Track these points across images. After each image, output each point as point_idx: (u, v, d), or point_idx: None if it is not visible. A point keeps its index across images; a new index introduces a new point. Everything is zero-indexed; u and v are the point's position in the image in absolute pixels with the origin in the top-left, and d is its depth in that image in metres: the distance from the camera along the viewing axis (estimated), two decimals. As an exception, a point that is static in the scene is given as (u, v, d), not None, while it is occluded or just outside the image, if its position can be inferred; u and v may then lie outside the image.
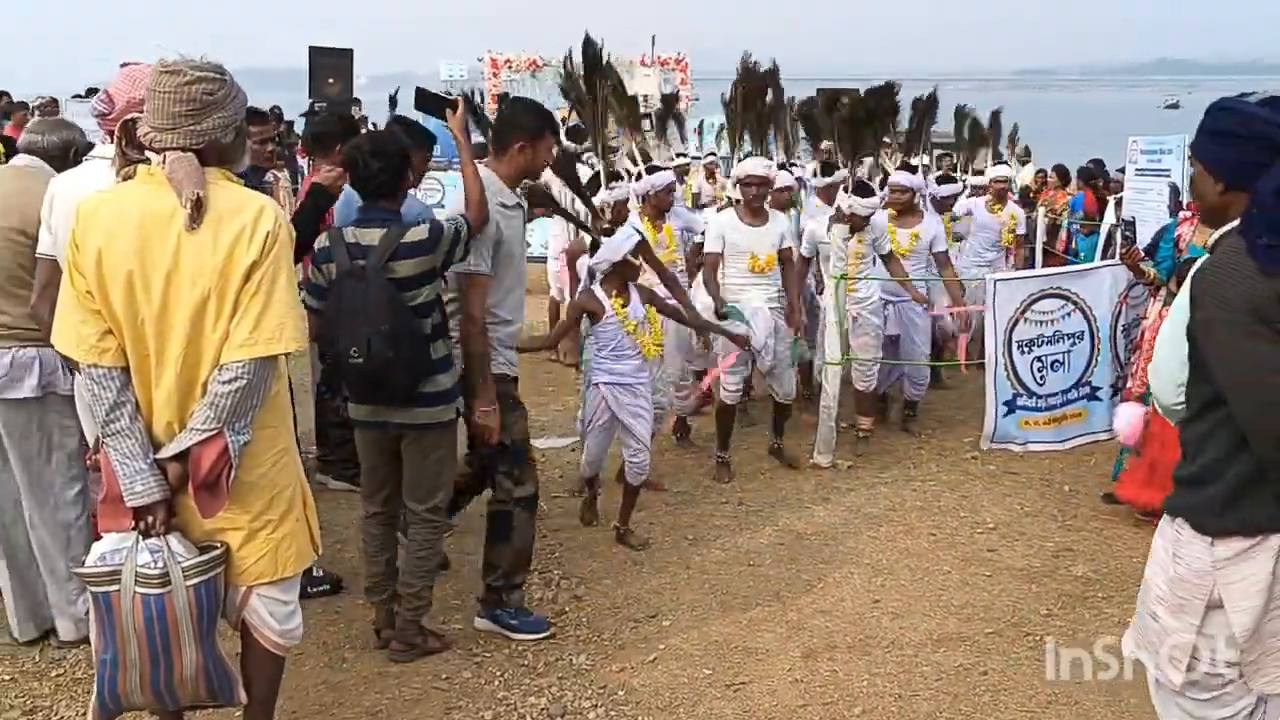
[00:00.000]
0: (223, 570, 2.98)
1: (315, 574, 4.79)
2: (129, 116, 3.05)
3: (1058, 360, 7.09)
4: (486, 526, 4.58)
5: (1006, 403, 7.04)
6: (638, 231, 5.56)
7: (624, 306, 5.36)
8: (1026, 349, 7.01)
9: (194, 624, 2.91)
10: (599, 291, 5.39)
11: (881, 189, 7.66)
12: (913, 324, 7.67)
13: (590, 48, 6.25)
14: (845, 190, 7.18)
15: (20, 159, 4.25)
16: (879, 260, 7.27)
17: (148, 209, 2.82)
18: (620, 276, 5.40)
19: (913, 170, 8.49)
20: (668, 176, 7.31)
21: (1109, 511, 6.04)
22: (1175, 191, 8.28)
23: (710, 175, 13.41)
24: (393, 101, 16.97)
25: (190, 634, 2.91)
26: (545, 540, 5.60)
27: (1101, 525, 5.87)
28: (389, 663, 4.24)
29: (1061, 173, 15.16)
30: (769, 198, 6.94)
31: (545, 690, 4.07)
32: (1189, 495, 2.57)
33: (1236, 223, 2.46)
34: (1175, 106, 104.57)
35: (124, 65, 3.63)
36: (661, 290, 5.92)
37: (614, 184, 7.00)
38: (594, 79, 6.54)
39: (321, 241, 4.02)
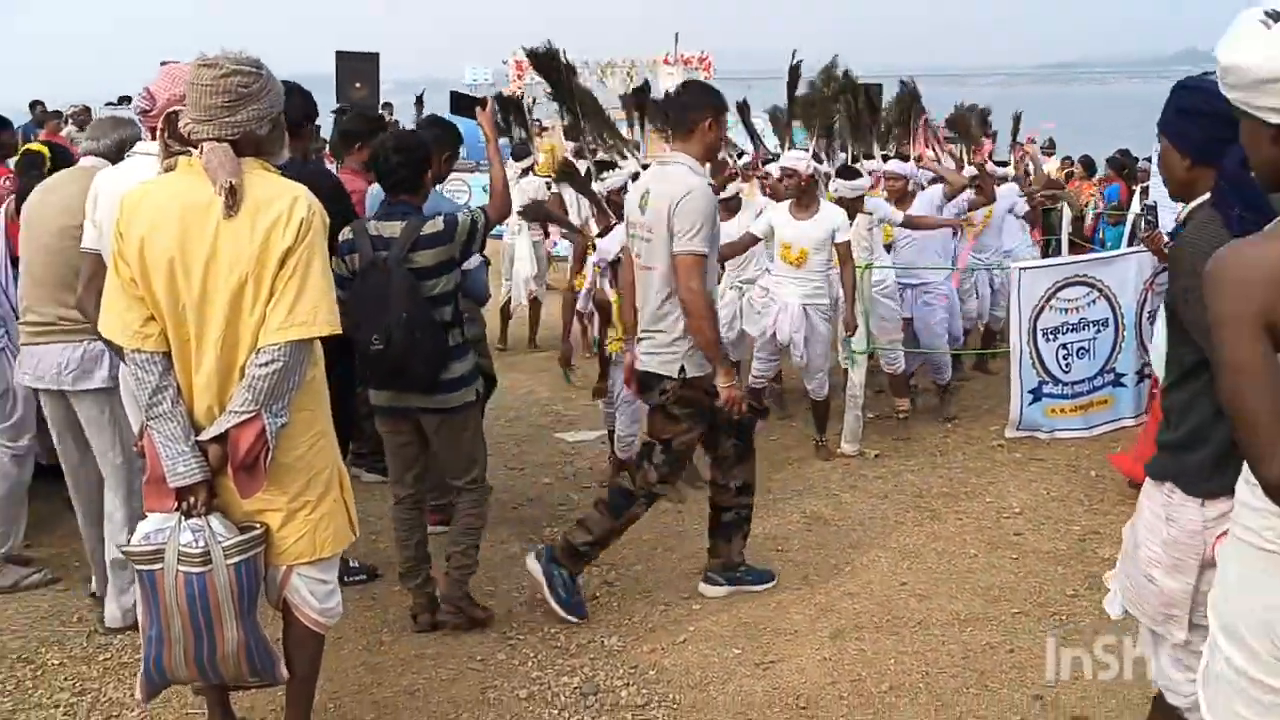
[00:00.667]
0: (262, 550, 3.07)
1: (351, 564, 4.90)
2: (173, 109, 3.15)
3: (1083, 348, 7.10)
4: (608, 495, 4.72)
5: (1032, 391, 7.06)
6: None
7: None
8: (1052, 337, 7.03)
9: (235, 602, 3.00)
10: (606, 287, 5.68)
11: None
12: (927, 308, 7.71)
13: (539, 56, 6.23)
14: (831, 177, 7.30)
15: (86, 160, 4.41)
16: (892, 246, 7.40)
17: (187, 199, 2.92)
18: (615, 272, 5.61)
19: (905, 159, 8.52)
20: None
21: (1135, 495, 6.03)
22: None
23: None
24: (419, 102, 17.05)
25: (232, 611, 3.00)
26: (576, 529, 5.69)
27: (1129, 510, 5.78)
28: (426, 645, 4.33)
29: (1086, 164, 15.12)
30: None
31: (578, 670, 4.15)
32: (1177, 460, 2.67)
33: (1207, 196, 2.55)
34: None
35: (164, 64, 3.74)
36: None
37: (605, 174, 7.09)
38: (558, 78, 6.54)
39: (345, 234, 4.16)
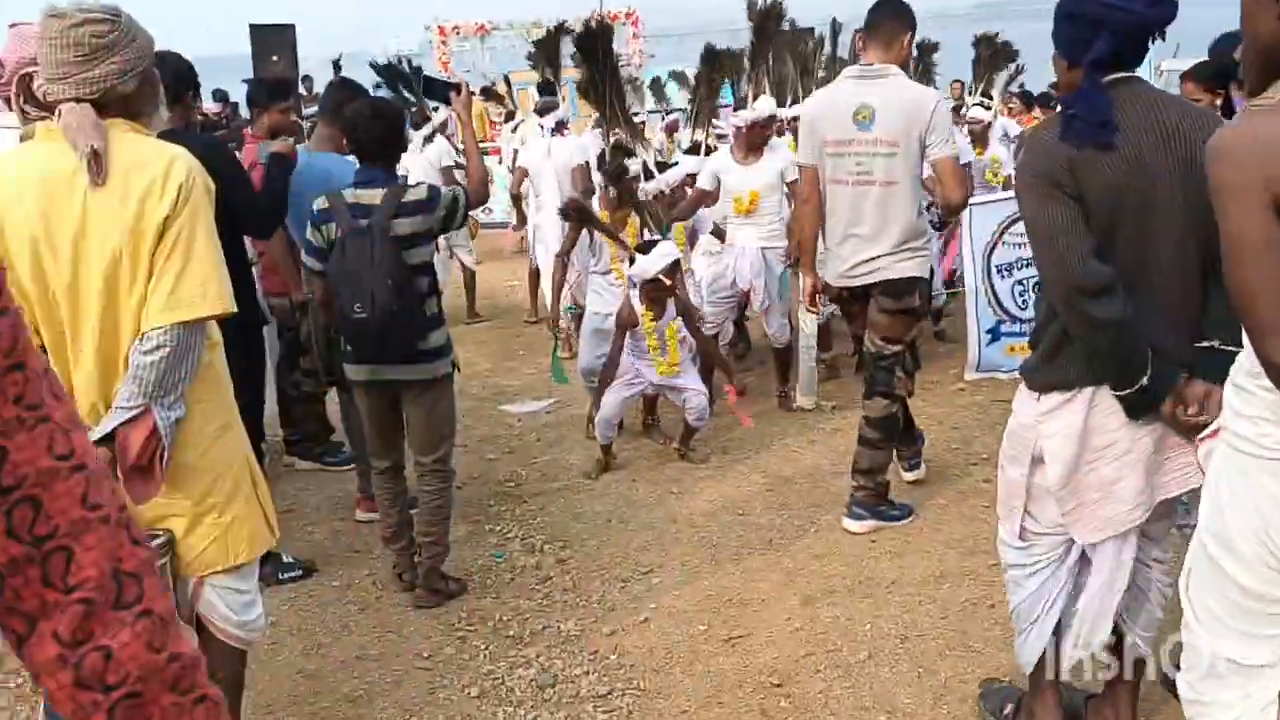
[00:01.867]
0: (169, 560, 2.74)
1: (286, 560, 4.62)
2: (25, 71, 2.77)
3: (1039, 282, 6.86)
4: (873, 430, 4.78)
5: (990, 330, 6.81)
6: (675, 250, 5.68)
7: (653, 319, 5.55)
8: (1006, 273, 6.78)
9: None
10: (635, 302, 5.57)
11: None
12: None
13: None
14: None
15: None
16: None
17: (49, 169, 2.56)
18: (652, 291, 5.49)
19: None
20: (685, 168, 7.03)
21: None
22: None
23: (671, 133, 13.01)
24: (336, 66, 16.45)
25: (138, 631, 2.67)
26: (525, 505, 5.38)
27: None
28: (368, 645, 4.02)
29: (1024, 97, 14.93)
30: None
31: (533, 661, 3.84)
32: (1029, 357, 2.90)
33: None
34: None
35: (13, 25, 3.35)
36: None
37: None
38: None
39: (320, 203, 4.10)
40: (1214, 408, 2.43)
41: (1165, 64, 14.37)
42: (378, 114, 4.16)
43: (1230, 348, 2.39)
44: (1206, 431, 2.33)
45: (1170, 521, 2.99)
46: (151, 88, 2.78)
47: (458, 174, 10.21)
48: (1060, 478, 2.75)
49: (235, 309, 2.71)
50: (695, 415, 5.69)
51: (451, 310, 9.80)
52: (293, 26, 16.54)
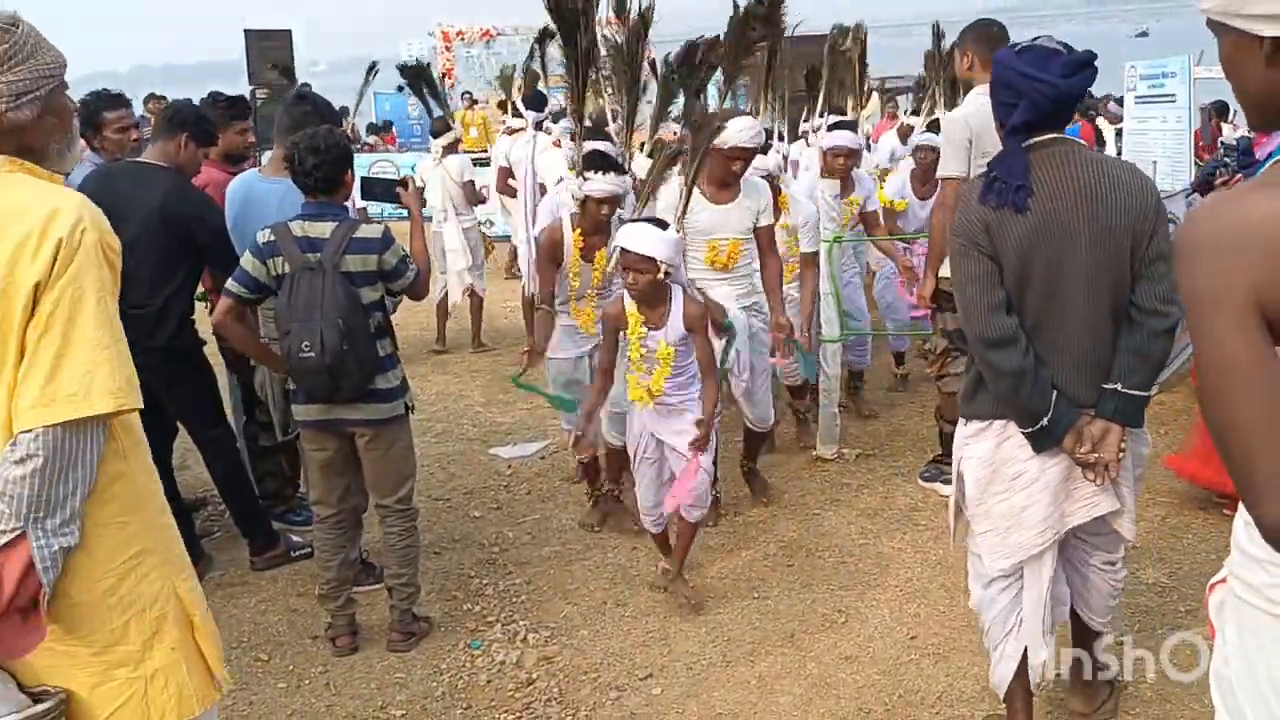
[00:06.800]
0: (64, 728, 2.11)
1: (294, 539, 5.04)
2: None
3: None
4: None
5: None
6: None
7: (643, 325, 4.15)
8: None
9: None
10: (627, 300, 4.20)
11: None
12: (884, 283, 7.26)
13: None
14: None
15: None
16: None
17: None
18: (631, 266, 4.04)
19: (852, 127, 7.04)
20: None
21: (1176, 495, 5.11)
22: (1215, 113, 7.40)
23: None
24: (372, 68, 15.76)
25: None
26: (509, 578, 4.74)
27: (1165, 512, 4.98)
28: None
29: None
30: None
31: (506, 806, 3.20)
32: (963, 385, 3.12)
33: None
34: (1145, 34, 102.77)
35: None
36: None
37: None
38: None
39: (265, 236, 3.87)
40: (1108, 446, 2.83)
41: (1198, 72, 13.59)
42: (315, 149, 3.86)
43: (1134, 391, 2.82)
44: (1216, 577, 1.89)
45: (1117, 536, 3.11)
46: (57, 119, 2.19)
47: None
48: (972, 499, 3.04)
49: (137, 404, 2.09)
50: (691, 503, 4.21)
51: (454, 337, 9.20)
52: (289, 33, 15.95)
